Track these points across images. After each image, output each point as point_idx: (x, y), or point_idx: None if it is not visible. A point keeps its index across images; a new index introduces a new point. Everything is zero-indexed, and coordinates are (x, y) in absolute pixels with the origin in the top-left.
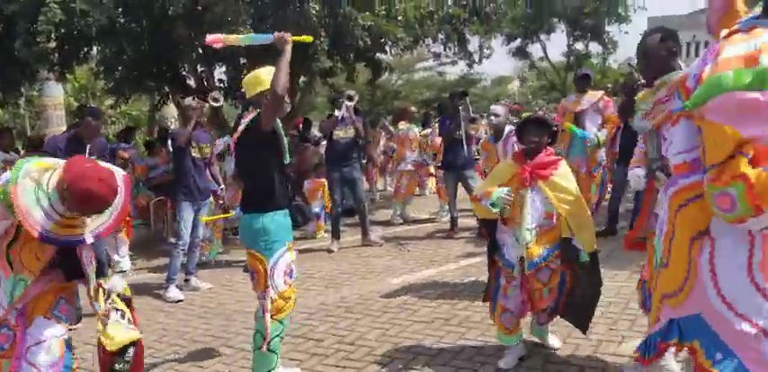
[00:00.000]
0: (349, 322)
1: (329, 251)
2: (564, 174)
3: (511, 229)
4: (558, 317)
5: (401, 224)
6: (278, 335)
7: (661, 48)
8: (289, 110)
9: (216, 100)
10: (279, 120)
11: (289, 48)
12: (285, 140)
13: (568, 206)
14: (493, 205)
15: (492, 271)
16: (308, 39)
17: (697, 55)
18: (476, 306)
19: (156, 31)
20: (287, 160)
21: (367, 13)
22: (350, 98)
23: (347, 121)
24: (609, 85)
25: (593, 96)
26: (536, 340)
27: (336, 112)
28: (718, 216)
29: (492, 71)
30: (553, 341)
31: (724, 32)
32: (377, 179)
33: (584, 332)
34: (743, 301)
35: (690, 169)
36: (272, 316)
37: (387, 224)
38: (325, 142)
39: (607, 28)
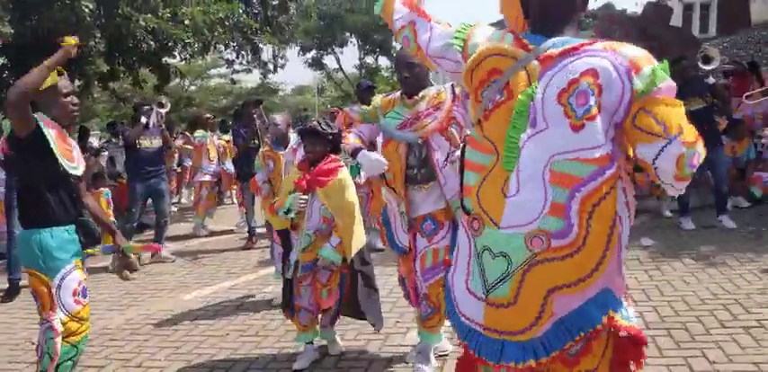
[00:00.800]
0: (135, 344)
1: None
2: (342, 181)
3: (297, 234)
4: (345, 318)
5: (205, 235)
6: (70, 359)
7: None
8: (74, 114)
9: None
10: (46, 124)
11: (61, 53)
12: (54, 145)
13: (340, 211)
14: (288, 211)
15: (284, 274)
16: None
17: None
18: (272, 314)
19: None
20: (71, 169)
21: (149, 15)
22: (161, 105)
23: (155, 130)
24: None
25: None
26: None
27: (143, 120)
28: (685, 174)
29: (292, 80)
30: (337, 347)
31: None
32: (176, 191)
33: (378, 329)
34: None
35: (610, 159)
36: (64, 338)
37: (184, 238)
38: (106, 152)
39: (395, 43)
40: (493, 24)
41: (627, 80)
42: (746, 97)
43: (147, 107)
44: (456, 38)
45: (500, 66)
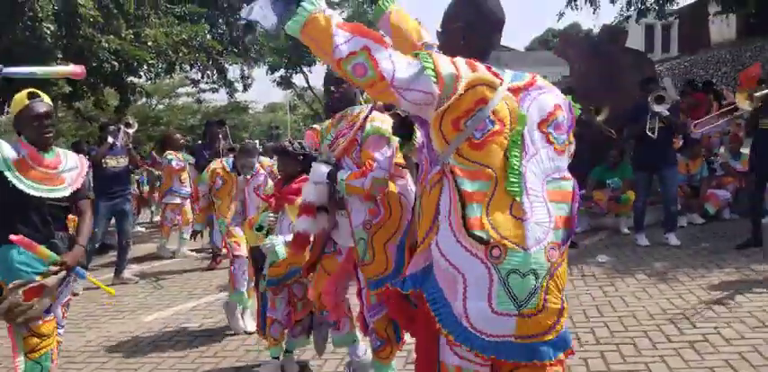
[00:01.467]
0: (94, 366)
1: (73, 293)
2: None
3: None
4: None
5: (169, 257)
6: None
7: None
8: (46, 136)
9: None
10: (22, 146)
11: None
12: (8, 169)
13: None
14: (259, 228)
15: (258, 291)
16: None
17: None
18: (232, 335)
19: None
20: (42, 192)
21: (112, 36)
22: (128, 125)
23: (121, 150)
24: None
25: None
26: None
27: (109, 139)
28: None
29: (263, 97)
30: (294, 367)
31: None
32: (136, 212)
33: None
34: None
35: None
36: (26, 354)
37: (149, 258)
38: None
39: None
40: None
41: (571, 114)
42: (695, 126)
43: (113, 127)
44: (427, 67)
45: (486, 95)
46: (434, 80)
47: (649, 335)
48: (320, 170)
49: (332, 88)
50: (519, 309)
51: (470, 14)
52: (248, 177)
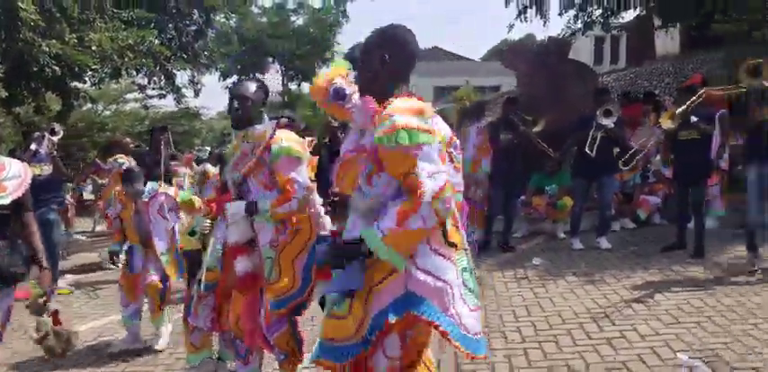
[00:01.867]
0: None
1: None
2: None
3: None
4: None
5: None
6: None
7: (260, 96)
8: None
9: None
10: None
11: None
12: None
13: None
14: (192, 233)
15: (188, 293)
16: None
17: None
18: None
19: None
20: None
21: (54, 40)
22: (53, 132)
23: (45, 157)
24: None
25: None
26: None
27: (32, 146)
28: None
29: (217, 104)
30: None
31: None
32: (74, 221)
33: None
34: None
35: None
36: None
37: (88, 268)
38: None
39: (317, 70)
40: None
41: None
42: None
43: (37, 133)
44: (434, 145)
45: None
46: (438, 141)
47: (572, 333)
48: (234, 209)
49: (236, 105)
50: (479, 301)
51: (392, 47)
52: (146, 200)
